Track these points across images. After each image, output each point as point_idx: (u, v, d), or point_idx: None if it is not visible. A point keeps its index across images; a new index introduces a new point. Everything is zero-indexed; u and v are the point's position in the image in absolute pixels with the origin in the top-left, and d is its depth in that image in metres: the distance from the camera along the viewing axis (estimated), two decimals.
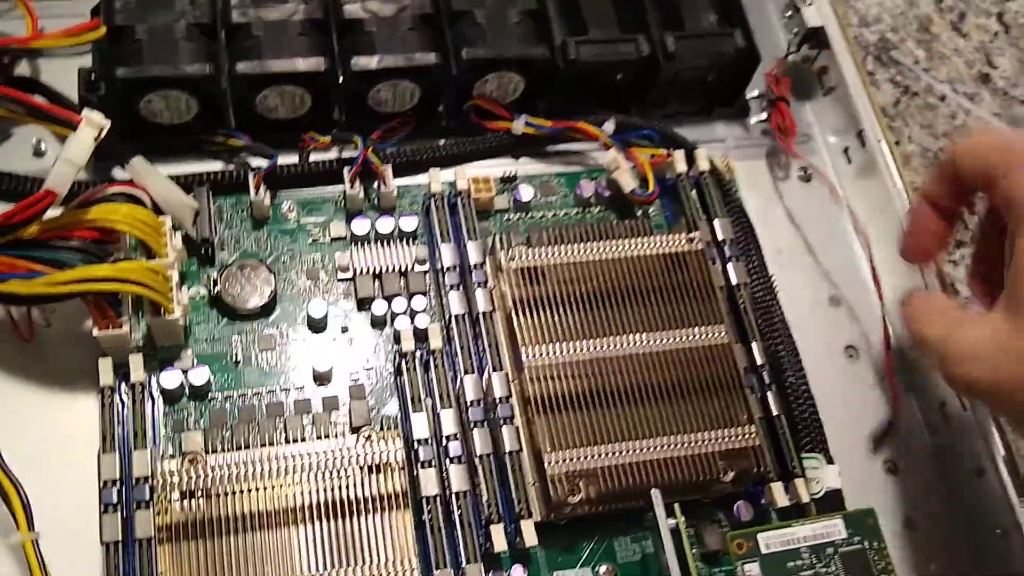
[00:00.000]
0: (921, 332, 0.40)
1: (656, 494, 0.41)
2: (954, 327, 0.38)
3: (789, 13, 0.55)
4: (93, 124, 0.41)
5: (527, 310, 0.44)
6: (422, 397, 0.43)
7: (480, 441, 0.42)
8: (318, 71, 0.47)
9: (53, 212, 0.41)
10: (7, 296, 0.40)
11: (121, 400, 0.41)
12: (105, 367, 0.41)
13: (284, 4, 0.48)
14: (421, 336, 0.44)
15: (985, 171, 0.39)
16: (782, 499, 0.43)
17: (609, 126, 0.50)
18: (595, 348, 0.44)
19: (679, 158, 0.50)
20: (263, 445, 0.42)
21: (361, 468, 0.41)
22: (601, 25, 0.51)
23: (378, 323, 0.46)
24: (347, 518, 0.40)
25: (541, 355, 0.43)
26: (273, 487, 0.40)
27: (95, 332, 0.41)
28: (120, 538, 0.38)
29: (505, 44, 0.49)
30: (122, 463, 0.40)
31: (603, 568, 0.43)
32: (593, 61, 0.50)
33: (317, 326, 0.46)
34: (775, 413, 0.44)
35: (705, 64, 0.52)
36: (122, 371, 0.41)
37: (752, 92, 0.55)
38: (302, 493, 0.40)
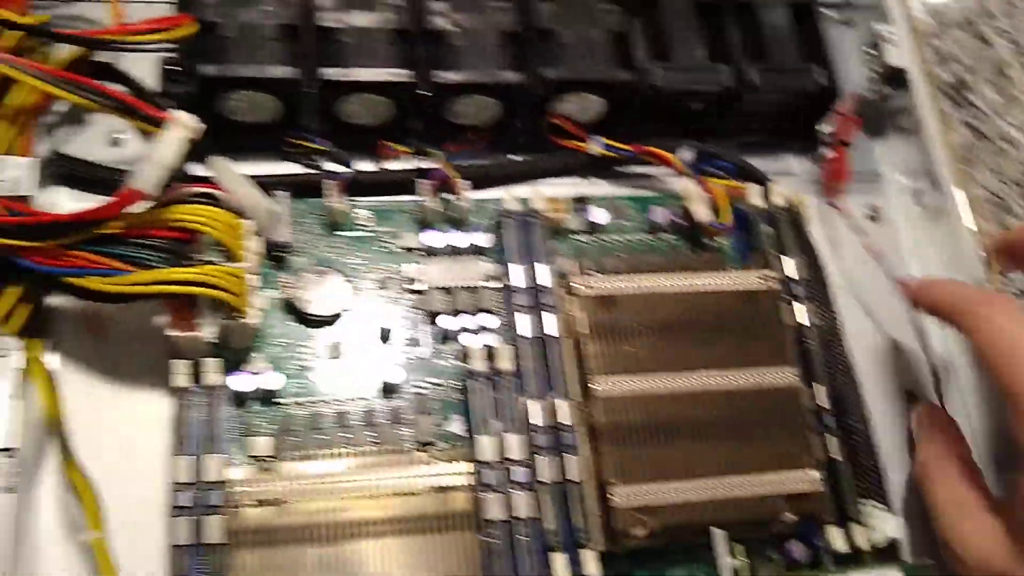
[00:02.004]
0: (931, 496, 0.43)
1: (717, 534, 0.41)
2: (963, 516, 0.41)
3: (871, 51, 0.55)
4: (183, 125, 0.41)
5: (598, 338, 0.44)
6: (488, 419, 0.43)
7: (545, 468, 0.42)
8: (403, 81, 0.47)
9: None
10: (88, 292, 0.40)
11: (194, 402, 0.41)
12: (179, 369, 0.41)
13: (372, 12, 0.48)
14: (490, 355, 0.44)
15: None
16: (839, 543, 0.43)
17: (685, 154, 0.50)
18: (664, 382, 0.44)
19: (754, 192, 0.50)
20: (331, 455, 0.42)
21: (429, 488, 0.41)
22: (684, 52, 0.51)
23: (447, 338, 0.46)
24: (412, 535, 0.40)
25: (611, 386, 0.43)
26: (341, 498, 0.40)
27: (171, 333, 0.41)
28: (189, 541, 0.39)
29: (588, 66, 0.49)
30: (193, 466, 0.40)
31: None
32: (675, 88, 0.50)
33: (386, 337, 0.46)
34: (837, 458, 0.45)
35: (785, 98, 0.51)
36: (195, 373, 0.42)
37: (824, 126, 0.55)
38: (372, 507, 0.40)
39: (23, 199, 0.41)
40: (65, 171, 0.46)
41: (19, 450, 0.38)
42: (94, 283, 0.40)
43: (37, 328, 0.42)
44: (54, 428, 0.40)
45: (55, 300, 0.44)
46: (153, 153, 0.40)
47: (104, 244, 0.40)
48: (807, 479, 0.43)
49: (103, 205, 0.40)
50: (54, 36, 0.45)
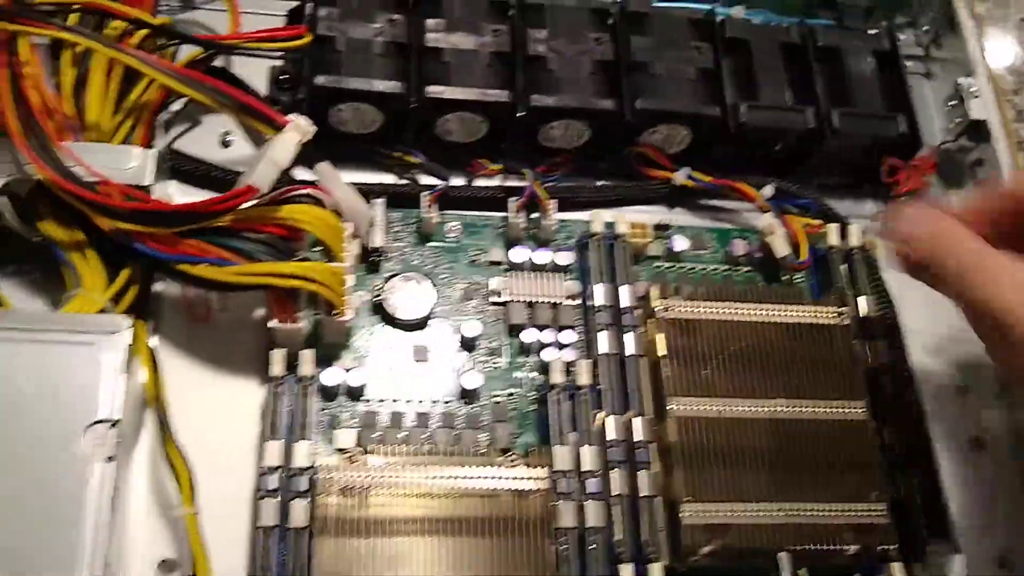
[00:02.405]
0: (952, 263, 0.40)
1: (783, 559, 0.42)
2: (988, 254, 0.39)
3: (953, 102, 0.56)
4: (300, 130, 0.43)
5: (677, 361, 0.45)
6: (564, 430, 0.44)
7: (618, 481, 0.44)
8: (501, 102, 0.49)
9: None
10: (198, 279, 0.42)
11: (286, 391, 0.43)
12: (277, 358, 0.43)
13: (476, 35, 0.50)
14: (568, 370, 0.46)
15: None
16: None
17: (768, 190, 0.52)
18: (738, 407, 0.45)
19: (833, 231, 0.51)
20: (412, 453, 0.43)
21: (508, 491, 0.42)
22: (772, 91, 0.52)
23: (526, 350, 0.48)
24: (490, 537, 0.42)
25: (687, 407, 0.45)
26: (422, 495, 0.42)
27: (272, 324, 0.43)
28: (274, 524, 0.40)
29: (679, 99, 0.51)
30: (282, 451, 0.42)
31: None
32: (760, 126, 0.51)
33: (469, 344, 0.48)
34: (903, 495, 0.45)
35: (867, 144, 0.53)
36: (289, 363, 0.44)
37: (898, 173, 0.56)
38: (450, 506, 0.42)
39: (142, 188, 0.44)
40: (177, 166, 0.48)
41: (121, 422, 0.40)
42: (205, 271, 0.42)
43: (142, 310, 0.44)
44: (154, 405, 0.42)
45: (158, 286, 0.46)
46: (270, 153, 0.42)
47: (215, 235, 0.43)
48: (873, 513, 0.44)
49: (220, 198, 0.42)
50: (181, 37, 0.48)
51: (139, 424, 0.43)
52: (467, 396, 0.46)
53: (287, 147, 0.43)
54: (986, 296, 0.39)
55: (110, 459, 0.39)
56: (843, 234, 0.51)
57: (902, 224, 0.43)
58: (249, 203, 0.42)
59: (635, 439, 0.44)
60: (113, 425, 0.39)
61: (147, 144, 0.47)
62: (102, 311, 0.42)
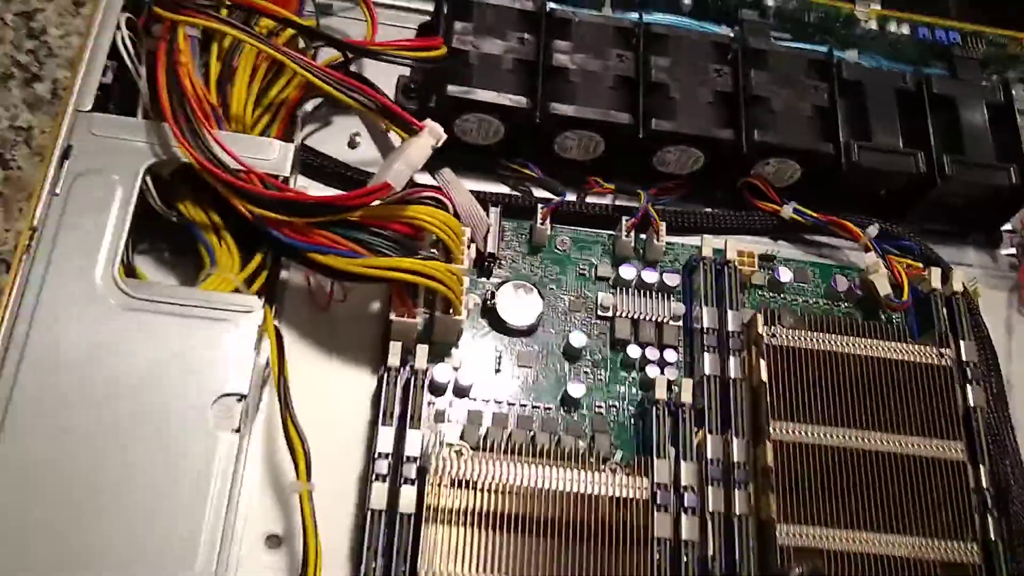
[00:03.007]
0: None
1: None
2: None
3: None
4: (435, 134, 0.45)
5: (779, 386, 0.46)
6: (664, 445, 0.46)
7: (713, 498, 0.44)
8: (621, 123, 0.50)
9: None
10: (327, 268, 0.44)
11: (400, 382, 0.45)
12: (395, 349, 0.45)
13: (600, 59, 0.52)
14: (670, 387, 0.47)
15: None
16: None
17: (872, 230, 0.53)
18: (836, 436, 0.46)
19: (935, 275, 0.52)
20: (519, 452, 0.45)
21: (608, 498, 0.44)
22: (885, 134, 0.54)
23: (628, 365, 0.49)
24: (588, 542, 0.43)
25: (786, 432, 0.45)
26: (526, 494, 0.43)
27: (392, 316, 0.45)
28: (384, 507, 0.42)
29: (794, 134, 0.52)
30: (393, 439, 0.44)
31: None
32: (873, 167, 0.52)
33: (573, 354, 0.49)
34: (994, 537, 0.46)
35: (975, 193, 0.54)
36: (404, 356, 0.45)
37: (1007, 224, 0.57)
38: (552, 507, 0.43)
39: (280, 179, 0.46)
40: (307, 161, 0.51)
41: (248, 397, 0.42)
42: (335, 261, 0.44)
43: (270, 294, 0.46)
44: (276, 383, 0.44)
45: (284, 273, 0.48)
46: (406, 154, 0.44)
47: (345, 228, 0.45)
48: (965, 551, 0.44)
49: (358, 192, 0.44)
50: (326, 39, 0.50)
51: (259, 400, 0.45)
52: (569, 404, 0.48)
53: (422, 150, 0.45)
54: None
55: (236, 431, 0.41)
56: (944, 279, 0.52)
57: None
58: (381, 200, 0.44)
59: (733, 459, 0.45)
60: (241, 399, 0.41)
61: (284, 138, 0.49)
62: (235, 291, 0.44)
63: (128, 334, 0.42)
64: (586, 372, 0.49)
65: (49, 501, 0.38)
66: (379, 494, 0.42)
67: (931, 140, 0.53)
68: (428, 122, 0.45)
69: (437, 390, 0.47)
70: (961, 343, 0.50)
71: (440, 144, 0.45)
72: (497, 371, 0.48)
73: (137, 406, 0.40)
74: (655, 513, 0.44)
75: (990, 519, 0.46)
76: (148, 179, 0.45)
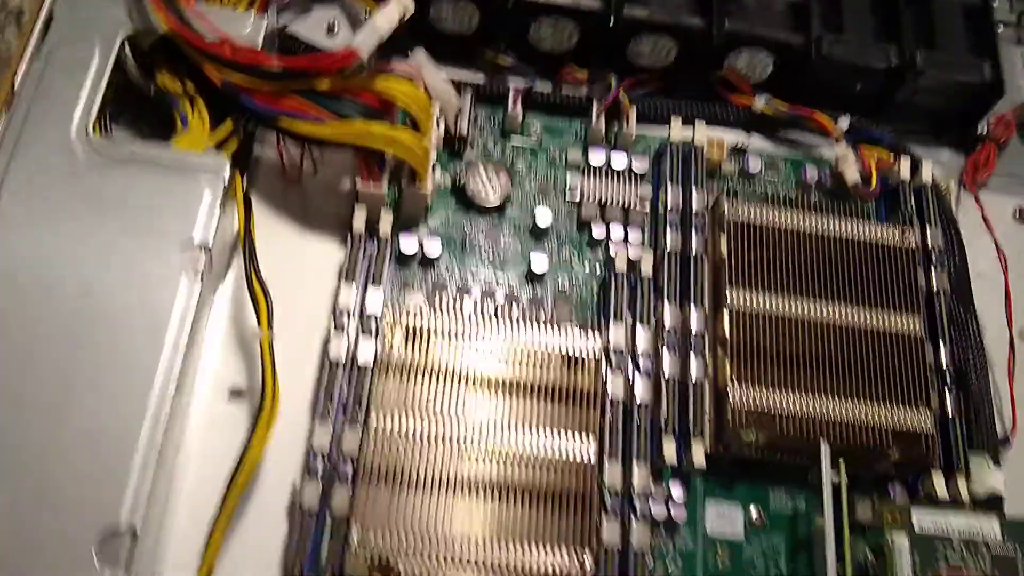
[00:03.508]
0: None
1: (825, 447, 0.43)
2: None
3: None
4: (402, 4, 0.46)
5: (738, 258, 0.47)
6: (623, 314, 0.46)
7: (669, 364, 0.45)
8: (594, 10, 0.51)
9: None
10: (295, 134, 0.45)
11: (364, 248, 0.46)
12: (360, 214, 0.46)
13: None
14: (632, 266, 0.48)
15: None
16: (941, 491, 0.45)
17: (844, 122, 0.53)
18: (794, 307, 0.46)
19: (904, 165, 0.52)
20: (476, 319, 0.46)
21: (561, 357, 0.44)
22: (857, 27, 0.54)
23: (594, 244, 0.50)
24: (541, 400, 0.44)
25: (744, 301, 0.46)
26: (478, 352, 0.44)
27: (359, 185, 0.46)
28: (343, 360, 0.43)
29: (766, 25, 0.53)
30: (358, 297, 0.45)
31: (754, 510, 0.45)
32: (844, 60, 0.53)
33: (539, 233, 0.50)
34: (951, 411, 0.46)
35: (948, 88, 0.54)
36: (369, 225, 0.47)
37: (983, 127, 0.57)
38: (507, 367, 0.44)
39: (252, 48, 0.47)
40: (287, 47, 0.52)
41: (211, 249, 0.43)
42: (304, 127, 0.45)
43: (242, 165, 0.48)
44: (243, 240, 0.45)
45: (256, 149, 0.50)
46: (372, 21, 0.45)
47: (315, 96, 0.46)
48: (919, 419, 0.45)
49: (323, 55, 0.45)
50: None
51: (226, 265, 0.47)
52: (533, 279, 0.49)
53: (389, 17, 0.46)
54: None
55: (199, 278, 0.42)
56: (914, 170, 0.52)
57: None
58: (350, 68, 0.46)
59: (692, 328, 0.46)
60: (204, 249, 0.43)
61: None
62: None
63: (99, 188, 0.43)
64: (552, 251, 0.50)
65: (21, 336, 0.40)
66: (337, 345, 0.43)
67: (903, 35, 0.54)
68: None
69: (403, 261, 0.48)
70: (927, 228, 0.50)
71: (407, 16, 0.46)
72: (463, 247, 0.49)
73: (105, 255, 0.42)
74: (609, 373, 0.44)
75: (948, 395, 0.46)
76: (127, 49, 0.47)
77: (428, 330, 0.44)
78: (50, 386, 0.39)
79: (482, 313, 0.46)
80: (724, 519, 0.45)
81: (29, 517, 0.37)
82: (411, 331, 0.44)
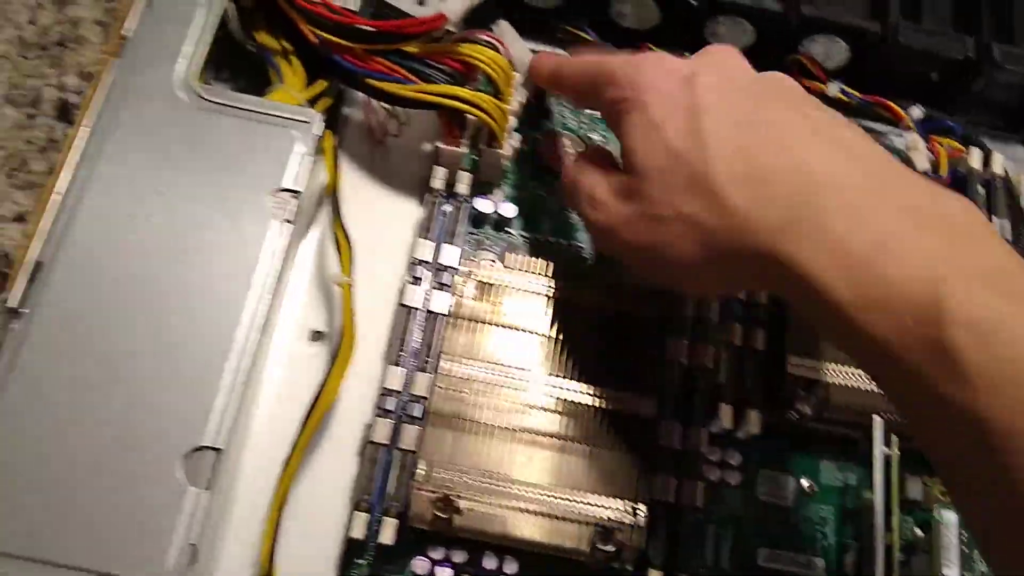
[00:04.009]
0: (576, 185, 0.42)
1: (878, 421, 0.44)
2: (597, 183, 0.41)
3: None
4: None
5: None
6: None
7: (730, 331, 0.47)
8: None
9: None
10: (381, 92, 0.48)
11: (443, 204, 0.48)
12: (439, 174, 0.48)
13: None
14: None
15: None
16: None
17: (916, 111, 0.54)
18: None
19: (975, 156, 0.53)
20: (544, 278, 0.47)
21: (627, 316, 0.46)
22: (935, 18, 0.55)
23: None
24: (606, 346, 0.46)
25: None
26: (544, 309, 0.46)
27: (439, 144, 0.49)
28: (419, 307, 0.45)
29: (843, 11, 0.54)
30: (433, 251, 0.47)
31: (805, 481, 0.47)
32: (921, 49, 0.53)
33: None
34: None
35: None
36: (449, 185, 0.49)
37: None
38: (569, 322, 0.46)
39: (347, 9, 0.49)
40: (379, 13, 0.54)
41: (302, 194, 0.45)
42: (390, 87, 0.47)
43: (332, 124, 0.50)
44: (331, 191, 0.47)
45: (346, 110, 0.52)
46: None
47: (402, 58, 0.48)
48: None
49: (415, 20, 0.47)
50: None
51: (312, 216, 0.49)
52: None
53: None
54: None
55: (288, 222, 0.45)
56: (986, 162, 0.53)
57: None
58: (438, 31, 0.48)
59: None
60: (295, 195, 0.45)
61: None
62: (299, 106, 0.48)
63: (198, 132, 0.45)
64: None
65: (119, 270, 0.43)
66: (413, 294, 0.45)
67: (982, 27, 0.54)
68: None
69: (478, 221, 0.50)
70: (994, 219, 0.51)
71: None
72: (536, 211, 0.51)
73: (200, 196, 0.44)
74: (668, 338, 0.46)
75: None
76: (232, 5, 0.50)
77: (498, 285, 0.46)
78: (145, 312, 0.42)
79: (550, 273, 0.48)
80: (775, 485, 0.47)
81: (122, 433, 0.40)
82: (482, 285, 0.46)
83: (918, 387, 0.30)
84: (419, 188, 0.51)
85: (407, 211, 0.50)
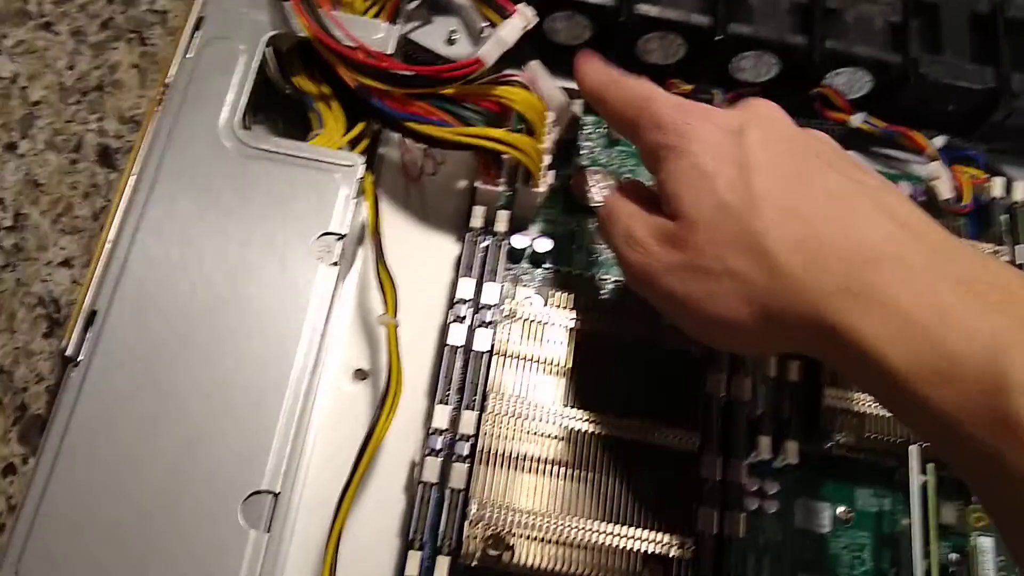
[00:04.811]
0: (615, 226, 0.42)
1: (914, 450, 0.46)
2: (639, 223, 0.41)
3: None
4: (525, 16, 0.49)
5: None
6: None
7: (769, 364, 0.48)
8: (702, 26, 0.54)
9: None
10: (421, 135, 0.49)
11: (481, 243, 0.49)
12: (478, 212, 0.49)
13: None
14: None
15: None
16: None
17: (939, 141, 0.55)
18: None
19: (997, 184, 0.54)
20: (583, 313, 0.49)
21: (667, 352, 0.47)
22: (955, 51, 0.56)
23: None
24: (647, 383, 0.46)
25: None
26: (584, 345, 0.47)
27: (477, 184, 0.50)
28: (462, 345, 0.46)
29: (866, 45, 0.55)
30: (474, 290, 0.48)
31: (841, 507, 0.48)
32: (941, 80, 0.55)
33: None
34: None
35: None
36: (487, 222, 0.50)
37: None
38: (613, 353, 0.47)
39: (384, 54, 0.51)
40: (410, 54, 0.55)
41: (347, 237, 0.46)
42: (429, 129, 0.48)
43: (371, 163, 0.51)
44: (372, 232, 0.48)
45: (382, 149, 0.53)
46: (498, 33, 0.49)
47: (439, 101, 0.49)
48: None
49: (451, 66, 0.48)
50: None
51: (354, 255, 0.50)
52: None
53: (513, 29, 0.49)
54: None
55: (334, 264, 0.46)
56: (1008, 189, 0.54)
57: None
58: (473, 76, 0.49)
59: None
60: (340, 238, 0.46)
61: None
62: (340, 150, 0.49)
63: (244, 178, 0.47)
64: None
65: (172, 315, 0.44)
66: (457, 333, 0.47)
67: (1001, 58, 0.55)
68: (521, 5, 0.49)
69: (515, 257, 0.51)
70: (1016, 247, 0.52)
71: (531, 27, 0.49)
72: (573, 245, 0.52)
73: (248, 241, 0.45)
74: (711, 372, 0.47)
75: None
76: (270, 50, 0.51)
77: (539, 321, 0.47)
78: (199, 358, 0.43)
79: (588, 308, 0.49)
80: (812, 513, 0.48)
81: (182, 479, 0.41)
82: (523, 322, 0.47)
83: (983, 458, 0.30)
84: (455, 224, 0.52)
85: (444, 247, 0.52)
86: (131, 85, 0.54)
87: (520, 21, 0.49)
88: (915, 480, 0.45)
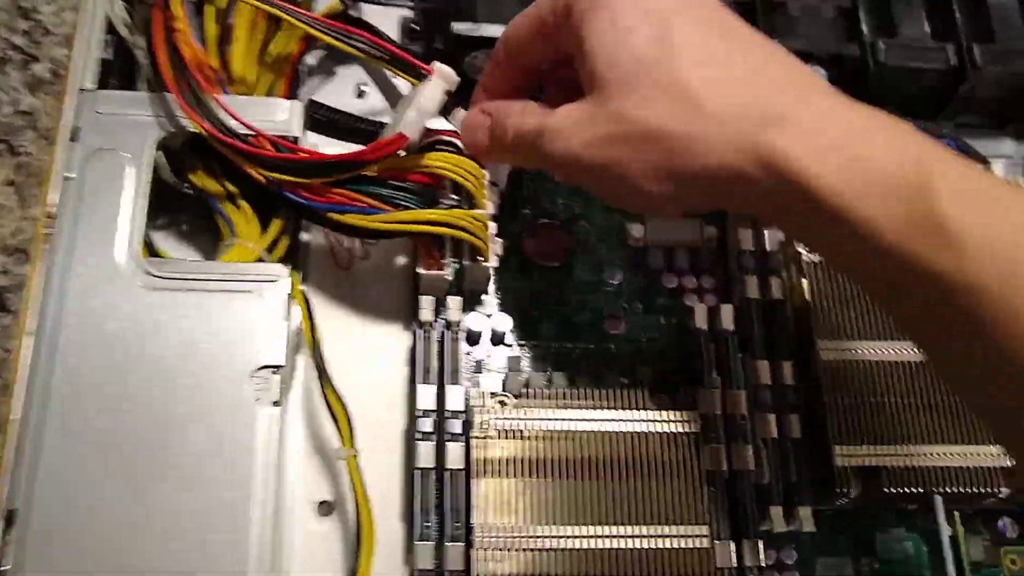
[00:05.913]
0: (519, 127, 0.39)
1: (939, 502, 0.42)
2: (547, 115, 0.38)
3: None
4: (445, 78, 0.43)
5: (823, 305, 0.45)
6: (710, 374, 0.45)
7: (766, 424, 0.44)
8: None
9: None
10: (347, 227, 0.43)
11: (434, 336, 0.44)
12: (426, 304, 0.44)
13: None
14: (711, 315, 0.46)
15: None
16: None
17: None
18: (887, 349, 0.45)
19: None
20: (562, 396, 0.44)
21: (658, 435, 0.43)
22: (910, 30, 0.51)
23: (666, 294, 0.48)
24: (644, 480, 0.42)
25: (835, 350, 0.44)
26: (575, 438, 0.43)
27: (420, 270, 0.44)
28: (432, 465, 0.41)
29: (817, 38, 0.50)
30: (434, 395, 0.43)
31: (863, 560, 0.44)
32: (900, 64, 0.50)
33: (607, 289, 0.48)
34: None
35: (1011, 82, 0.51)
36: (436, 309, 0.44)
37: None
38: (603, 448, 0.42)
39: (291, 139, 0.44)
40: (317, 116, 0.49)
41: (284, 367, 0.41)
42: (355, 219, 0.43)
43: (293, 258, 0.45)
44: (310, 349, 0.43)
45: (304, 235, 0.47)
46: (417, 102, 0.43)
47: (361, 184, 0.43)
48: None
49: (372, 147, 0.42)
50: None
51: (292, 368, 0.45)
52: (608, 340, 0.47)
53: (434, 95, 0.43)
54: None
55: (275, 404, 0.40)
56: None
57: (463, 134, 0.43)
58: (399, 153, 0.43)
59: (785, 382, 0.44)
60: (276, 371, 0.41)
61: (288, 95, 0.48)
62: (259, 260, 0.43)
63: (157, 314, 0.41)
64: (624, 307, 0.48)
65: (95, 486, 0.38)
66: (426, 452, 0.42)
67: (960, 31, 0.51)
68: (436, 65, 0.43)
69: (473, 339, 0.46)
70: None
71: (454, 88, 0.44)
72: (533, 313, 0.47)
73: (173, 386, 0.40)
74: (703, 446, 0.43)
75: None
76: (159, 153, 0.44)
77: (512, 418, 0.43)
78: (149, 539, 0.37)
79: (563, 396, 0.44)
80: (834, 569, 0.44)
81: None
82: (493, 425, 0.42)
83: (908, 266, 0.31)
84: (399, 310, 0.46)
85: (392, 337, 0.46)
86: (10, 206, 0.47)
87: (440, 83, 0.43)
88: (944, 533, 0.42)
